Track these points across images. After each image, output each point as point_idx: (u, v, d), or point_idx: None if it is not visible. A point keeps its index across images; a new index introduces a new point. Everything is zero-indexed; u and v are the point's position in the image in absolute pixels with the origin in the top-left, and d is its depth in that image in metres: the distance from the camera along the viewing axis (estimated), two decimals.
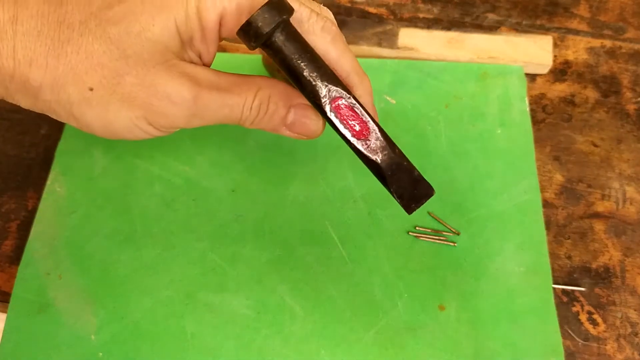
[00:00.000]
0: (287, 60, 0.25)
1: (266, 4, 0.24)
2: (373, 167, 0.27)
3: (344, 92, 0.26)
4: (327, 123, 0.27)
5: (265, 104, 0.27)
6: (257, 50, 0.26)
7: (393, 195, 0.27)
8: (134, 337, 0.37)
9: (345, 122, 0.26)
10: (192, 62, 0.27)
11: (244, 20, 0.25)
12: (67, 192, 0.42)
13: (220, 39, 0.28)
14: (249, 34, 0.24)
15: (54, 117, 0.27)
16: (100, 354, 0.37)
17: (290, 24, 0.25)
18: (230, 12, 0.26)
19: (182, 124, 0.27)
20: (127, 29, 0.25)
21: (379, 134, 0.27)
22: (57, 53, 0.25)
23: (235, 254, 0.40)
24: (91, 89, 0.25)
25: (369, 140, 0.26)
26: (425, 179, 0.28)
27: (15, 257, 0.41)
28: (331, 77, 0.26)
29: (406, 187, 0.27)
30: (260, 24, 0.24)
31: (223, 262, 0.39)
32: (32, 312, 0.38)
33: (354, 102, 0.26)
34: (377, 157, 0.27)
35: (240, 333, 0.37)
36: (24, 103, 0.27)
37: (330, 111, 0.26)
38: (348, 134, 0.26)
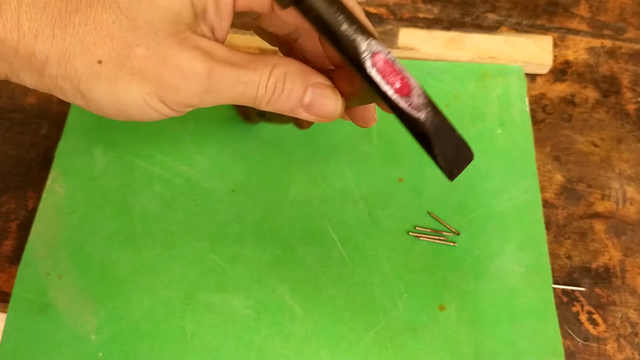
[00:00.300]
0: (323, 15, 0.23)
1: None
2: (416, 127, 0.24)
3: (384, 47, 0.24)
4: (366, 81, 0.25)
5: (281, 82, 0.26)
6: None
7: (436, 160, 0.25)
8: (134, 337, 0.37)
9: (386, 78, 0.24)
10: (204, 36, 0.26)
11: None
12: (67, 192, 0.42)
13: (235, 12, 0.26)
14: None
15: (60, 95, 0.26)
16: (100, 354, 0.37)
17: None
18: None
19: (195, 101, 0.26)
20: None
21: (421, 90, 0.24)
22: (64, 24, 0.24)
23: (235, 254, 0.40)
24: (100, 62, 0.24)
25: (411, 97, 0.24)
26: (465, 141, 0.26)
27: (15, 257, 0.41)
28: (369, 32, 0.24)
29: (449, 150, 0.25)
30: None
31: (223, 262, 0.39)
32: (32, 312, 0.38)
33: (393, 57, 0.24)
34: (421, 115, 0.24)
35: (240, 333, 0.37)
36: (29, 80, 0.26)
37: (372, 66, 0.24)
38: (390, 91, 0.24)
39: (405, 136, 0.46)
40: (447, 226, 0.40)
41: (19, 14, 0.24)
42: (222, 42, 0.27)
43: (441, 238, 0.40)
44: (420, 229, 0.40)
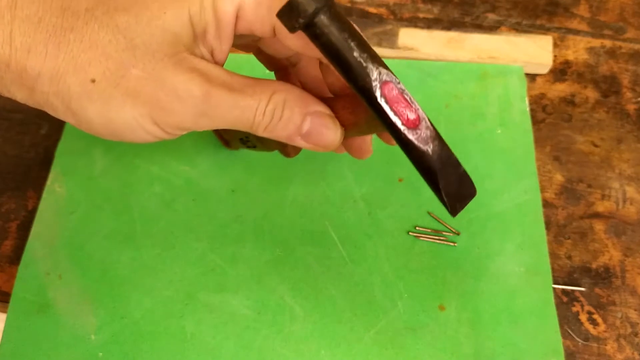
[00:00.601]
0: (333, 41, 0.23)
1: None
2: (422, 160, 0.24)
3: (394, 77, 0.24)
4: (375, 112, 0.24)
5: (280, 109, 0.25)
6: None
7: (439, 194, 0.25)
8: (134, 337, 0.37)
9: (395, 109, 0.23)
10: (203, 58, 0.25)
11: (260, 13, 0.24)
12: (67, 192, 0.42)
13: (235, 35, 0.26)
14: (292, 13, 0.22)
15: (51, 112, 0.25)
16: (100, 353, 0.37)
17: (335, 5, 0.23)
18: (248, 3, 0.24)
19: (190, 124, 0.25)
20: (136, 16, 0.23)
21: (429, 123, 0.24)
22: (59, 40, 0.23)
23: (235, 254, 0.40)
24: (93, 81, 0.24)
25: (419, 129, 0.24)
26: (469, 176, 0.25)
27: (15, 257, 0.41)
28: (379, 61, 0.24)
29: (453, 184, 0.24)
30: (304, 2, 0.22)
31: (223, 262, 0.39)
32: (32, 312, 0.38)
33: (403, 87, 0.24)
34: (428, 148, 0.24)
35: (240, 333, 0.37)
36: (20, 96, 0.25)
37: (381, 96, 0.23)
38: (398, 122, 0.23)
39: None
40: (447, 226, 0.40)
41: (11, 27, 0.23)
42: (221, 64, 0.26)
43: (441, 238, 0.40)
44: (420, 229, 0.40)
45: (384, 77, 0.23)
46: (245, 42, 0.30)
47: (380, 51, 0.48)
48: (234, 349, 0.37)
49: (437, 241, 0.40)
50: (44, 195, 0.42)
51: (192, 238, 0.40)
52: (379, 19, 0.50)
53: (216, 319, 0.38)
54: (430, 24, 0.50)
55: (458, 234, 0.40)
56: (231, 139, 0.40)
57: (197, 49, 0.25)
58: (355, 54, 0.23)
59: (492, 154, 0.43)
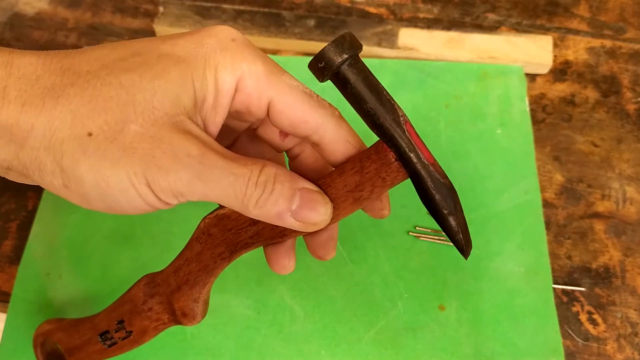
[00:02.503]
0: (360, 85, 0.25)
1: (337, 38, 0.24)
2: (443, 193, 0.25)
3: (408, 119, 0.25)
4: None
5: (271, 182, 0.25)
6: None
7: (453, 231, 0.25)
8: None
9: (417, 144, 0.25)
10: (197, 126, 0.25)
11: (259, 86, 0.25)
12: None
13: (230, 111, 0.26)
14: (321, 65, 0.24)
15: (35, 174, 0.24)
16: None
17: (359, 58, 0.25)
18: (249, 76, 0.25)
19: (184, 187, 0.24)
20: (140, 75, 0.23)
21: (437, 162, 0.25)
22: (58, 94, 0.23)
23: None
24: (90, 134, 0.23)
25: (436, 164, 0.25)
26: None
27: (15, 257, 0.41)
28: (397, 106, 0.25)
29: (462, 222, 0.26)
30: (332, 55, 0.24)
31: None
32: (32, 312, 0.38)
33: (415, 130, 0.25)
34: (447, 182, 0.25)
35: (240, 333, 0.37)
36: (5, 154, 0.23)
37: (407, 131, 0.25)
38: (422, 157, 0.25)
39: None
40: None
41: (7, 83, 0.22)
42: (212, 137, 0.26)
43: (441, 238, 0.40)
44: (420, 229, 0.40)
45: (405, 118, 0.25)
46: (245, 108, 0.29)
47: (380, 51, 0.48)
48: (234, 349, 0.37)
49: (437, 241, 0.40)
50: (44, 195, 0.42)
51: None
52: (379, 19, 0.50)
53: (216, 319, 0.38)
54: (430, 24, 0.50)
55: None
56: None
57: (195, 116, 0.25)
58: (385, 92, 0.25)
59: (492, 154, 0.43)
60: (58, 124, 0.23)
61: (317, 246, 0.31)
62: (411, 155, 0.25)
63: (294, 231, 0.27)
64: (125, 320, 0.31)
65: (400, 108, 0.25)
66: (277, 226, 0.27)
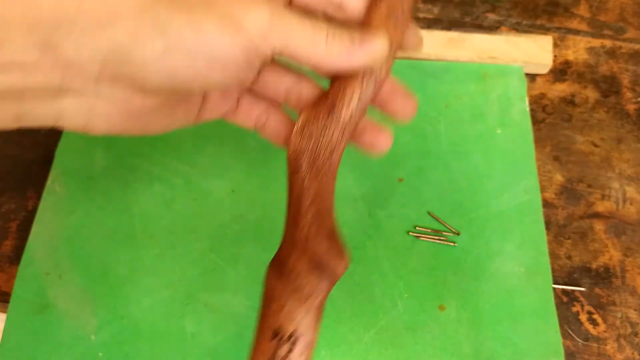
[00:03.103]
0: None
1: None
2: None
3: None
4: None
5: (332, 28, 0.26)
6: None
7: None
8: (134, 337, 0.37)
9: None
10: None
11: None
12: (67, 192, 0.42)
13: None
14: None
15: (137, 47, 0.23)
16: (100, 354, 0.37)
17: None
18: None
19: (258, 40, 0.25)
20: None
21: None
22: None
23: (235, 254, 0.40)
24: None
25: None
26: None
27: (15, 257, 0.41)
28: None
29: None
30: None
31: (223, 262, 0.39)
32: (32, 312, 0.38)
33: None
34: None
35: (240, 333, 0.37)
36: (110, 36, 0.23)
37: None
38: None
39: (405, 136, 0.46)
40: (447, 226, 0.40)
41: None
42: None
43: (441, 238, 0.40)
44: (420, 229, 0.40)
45: None
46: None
47: None
48: (234, 349, 0.37)
49: (437, 241, 0.40)
50: (44, 195, 0.42)
51: (192, 238, 0.40)
52: None
53: (216, 319, 0.38)
54: (430, 24, 0.50)
55: (458, 234, 0.40)
56: None
57: None
58: None
59: (492, 154, 0.43)
60: None
61: (387, 100, 0.33)
62: None
63: (362, 84, 0.28)
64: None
65: None
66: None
